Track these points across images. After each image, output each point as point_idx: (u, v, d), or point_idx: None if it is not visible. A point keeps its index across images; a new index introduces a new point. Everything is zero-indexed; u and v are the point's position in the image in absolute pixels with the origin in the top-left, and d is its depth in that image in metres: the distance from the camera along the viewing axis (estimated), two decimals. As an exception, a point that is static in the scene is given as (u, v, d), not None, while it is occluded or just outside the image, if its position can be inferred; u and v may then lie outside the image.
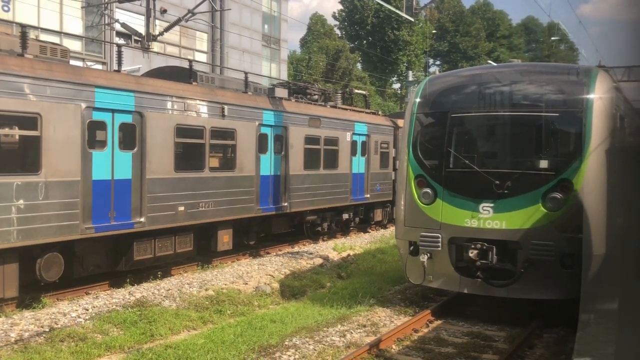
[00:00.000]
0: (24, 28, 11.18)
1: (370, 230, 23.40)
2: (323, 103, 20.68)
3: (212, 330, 9.63)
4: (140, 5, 21.81)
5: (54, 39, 24.33)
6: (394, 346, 9.07)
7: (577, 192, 9.60)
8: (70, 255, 11.66)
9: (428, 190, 10.68)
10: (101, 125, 11.86)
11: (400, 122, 23.28)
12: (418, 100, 11.32)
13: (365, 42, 66.36)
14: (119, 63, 13.55)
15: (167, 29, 21.34)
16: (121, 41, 28.76)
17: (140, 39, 21.23)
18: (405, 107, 17.15)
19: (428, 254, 10.42)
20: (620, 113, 11.26)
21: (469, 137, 11.05)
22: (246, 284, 12.98)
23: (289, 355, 8.39)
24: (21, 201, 10.25)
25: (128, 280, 12.70)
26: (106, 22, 28.35)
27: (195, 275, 13.46)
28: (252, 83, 17.12)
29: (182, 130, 13.63)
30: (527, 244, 9.74)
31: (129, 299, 11.21)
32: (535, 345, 9.41)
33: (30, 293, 11.17)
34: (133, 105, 12.40)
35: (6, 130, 10.44)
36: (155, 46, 26.68)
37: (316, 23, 67.49)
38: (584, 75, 10.45)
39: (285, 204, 17.47)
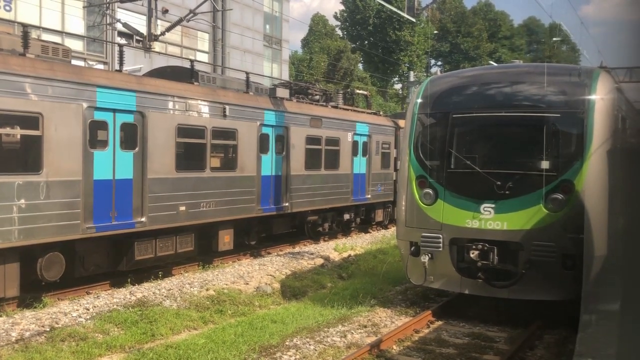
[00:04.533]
0: (25, 28, 11.19)
1: (371, 231, 23.39)
2: (324, 103, 20.68)
3: (212, 330, 9.62)
4: (142, 5, 21.80)
5: (56, 38, 24.37)
6: (394, 347, 9.07)
7: (579, 193, 9.60)
8: (71, 255, 11.66)
9: (429, 190, 10.67)
10: (102, 125, 11.87)
11: (401, 123, 23.27)
12: (419, 100, 11.31)
13: (366, 42, 66.38)
14: (121, 63, 13.56)
15: (168, 29, 21.34)
16: (123, 41, 28.77)
17: (141, 39, 21.22)
18: (407, 107, 17.14)
19: (429, 255, 10.41)
20: (621, 114, 11.25)
21: (470, 138, 11.03)
22: (247, 284, 12.98)
23: (290, 356, 8.39)
24: (22, 200, 10.25)
25: (129, 280, 12.70)
26: (108, 22, 28.39)
27: (196, 275, 13.46)
28: (253, 83, 17.12)
29: (183, 130, 13.64)
30: (528, 244, 9.73)
31: (129, 298, 11.22)
32: (536, 346, 9.40)
33: (31, 292, 11.17)
34: (134, 105, 12.40)
35: (8, 130, 10.45)
36: (157, 46, 26.67)
37: (318, 23, 67.49)
38: (586, 76, 10.45)
39: (286, 204, 17.46)
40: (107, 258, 12.53)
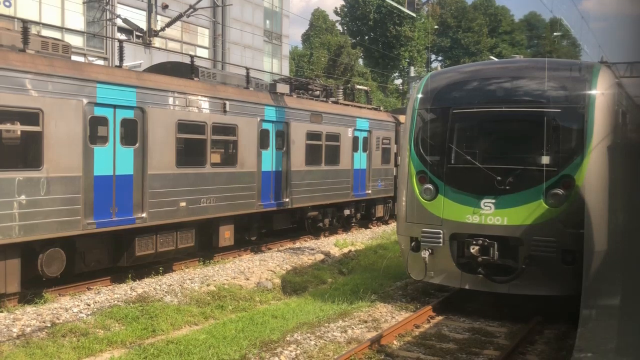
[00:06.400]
0: (25, 23, 11.17)
1: (371, 226, 23.40)
2: (324, 99, 20.66)
3: (213, 326, 9.65)
4: (142, 1, 21.79)
5: (56, 34, 24.32)
6: (395, 342, 9.08)
7: (579, 188, 9.59)
8: (72, 251, 11.68)
9: (429, 186, 10.68)
10: (103, 121, 11.86)
11: (401, 118, 23.26)
12: (420, 96, 11.30)
13: (367, 37, 66.28)
14: (121, 58, 13.54)
15: (168, 25, 21.31)
16: (122, 37, 28.75)
17: (141, 35, 21.21)
18: (407, 103, 17.13)
19: (429, 250, 10.42)
20: (622, 109, 11.24)
21: (471, 133, 11.03)
22: (247, 279, 13.00)
23: (290, 351, 8.40)
24: (23, 197, 10.26)
25: (130, 275, 12.72)
26: (107, 17, 28.35)
27: (197, 271, 13.48)
28: (253, 79, 17.10)
29: (183, 126, 13.63)
30: (528, 240, 9.74)
31: (130, 294, 11.24)
32: (536, 341, 9.42)
33: (32, 288, 11.20)
34: (134, 101, 12.40)
35: (8, 126, 10.44)
36: (157, 42, 26.64)
37: (318, 19, 67.41)
38: (586, 71, 10.44)
39: (287, 199, 17.47)
40: (107, 254, 12.55)
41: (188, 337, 8.91)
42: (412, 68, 51.23)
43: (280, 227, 18.36)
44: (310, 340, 8.89)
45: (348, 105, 21.95)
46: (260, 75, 28.53)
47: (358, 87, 30.35)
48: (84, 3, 28.56)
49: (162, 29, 21.15)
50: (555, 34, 66.18)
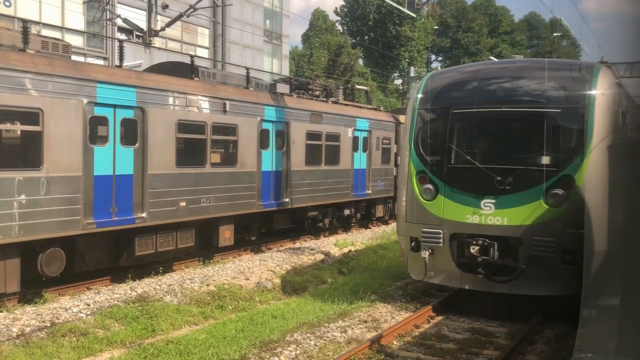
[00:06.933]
0: (25, 23, 11.17)
1: (371, 226, 23.41)
2: (324, 99, 20.65)
3: (213, 326, 9.64)
4: (142, 1, 21.78)
5: (56, 34, 24.32)
6: (395, 342, 9.08)
7: (579, 188, 9.59)
8: (71, 251, 11.68)
9: (429, 186, 10.68)
10: (103, 121, 11.86)
11: (401, 118, 23.26)
12: (420, 96, 11.31)
13: (367, 37, 66.30)
14: (121, 58, 13.54)
15: (168, 25, 21.31)
16: (123, 36, 28.75)
17: (141, 35, 21.22)
18: (407, 103, 17.13)
19: (429, 250, 10.42)
20: (622, 109, 11.24)
21: (471, 133, 11.02)
22: (247, 279, 13.00)
23: (290, 351, 8.40)
24: (23, 196, 10.26)
25: (129, 275, 12.72)
26: (108, 17, 28.35)
27: (197, 271, 13.48)
28: (253, 79, 17.10)
29: (183, 126, 13.63)
30: (528, 240, 9.74)
31: (130, 294, 11.24)
32: (536, 341, 9.42)
33: (32, 288, 11.19)
34: (135, 101, 12.40)
35: (8, 126, 10.44)
36: (157, 41, 26.64)
37: (318, 19, 67.41)
38: (586, 71, 10.44)
39: (287, 199, 17.47)
40: (107, 253, 12.54)
41: (188, 337, 8.91)
42: (412, 68, 51.26)
43: (280, 227, 18.37)
44: (310, 340, 8.89)
45: (348, 105, 21.95)
46: (260, 75, 28.53)
47: (358, 87, 30.38)
48: (84, 3, 28.56)
49: (162, 29, 21.15)
50: (555, 34, 66.19)
